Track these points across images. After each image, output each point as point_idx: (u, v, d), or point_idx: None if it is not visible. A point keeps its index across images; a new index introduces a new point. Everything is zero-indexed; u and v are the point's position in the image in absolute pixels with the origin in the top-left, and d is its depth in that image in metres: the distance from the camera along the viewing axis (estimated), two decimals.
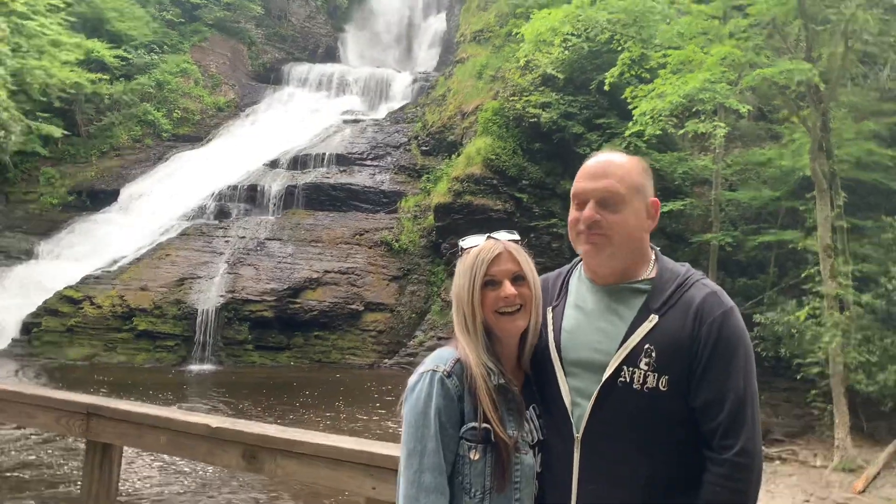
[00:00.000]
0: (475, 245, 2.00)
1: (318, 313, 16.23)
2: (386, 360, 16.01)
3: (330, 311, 16.30)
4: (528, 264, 1.97)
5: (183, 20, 25.55)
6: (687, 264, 1.96)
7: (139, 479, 7.77)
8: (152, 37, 24.29)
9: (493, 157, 16.69)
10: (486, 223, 16.43)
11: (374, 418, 11.20)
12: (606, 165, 1.90)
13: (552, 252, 15.26)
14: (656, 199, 1.94)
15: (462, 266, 1.99)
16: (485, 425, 1.87)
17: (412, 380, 1.96)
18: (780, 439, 10.67)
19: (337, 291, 16.60)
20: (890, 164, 12.32)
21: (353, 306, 16.48)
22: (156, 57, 23.90)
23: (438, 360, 1.95)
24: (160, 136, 22.57)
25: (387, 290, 17.09)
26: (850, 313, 10.45)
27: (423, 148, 20.71)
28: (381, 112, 23.78)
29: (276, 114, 23.77)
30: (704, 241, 13.69)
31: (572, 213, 1.92)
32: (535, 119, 16.16)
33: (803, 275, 11.63)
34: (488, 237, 2.00)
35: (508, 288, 1.92)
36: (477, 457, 1.88)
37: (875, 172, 12.46)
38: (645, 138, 12.51)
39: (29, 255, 17.93)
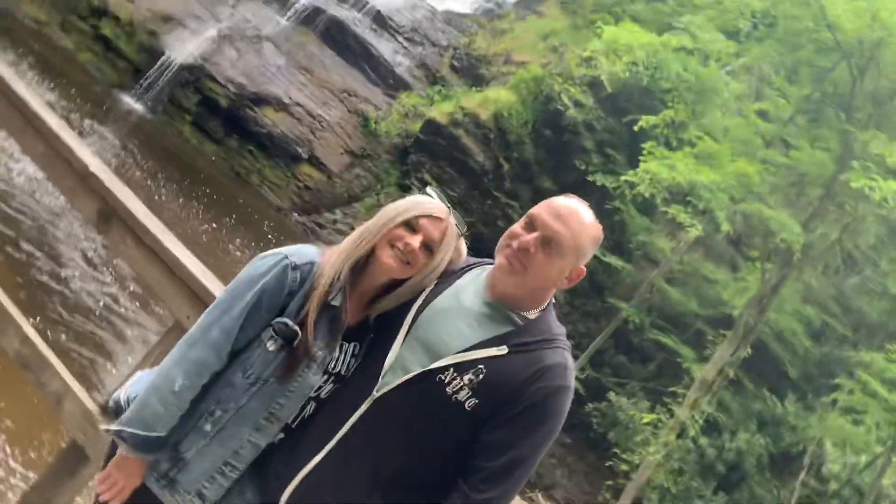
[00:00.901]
0: (433, 198, 2.00)
1: (266, 133, 15.83)
2: (296, 214, 15.86)
3: (277, 138, 15.91)
4: (446, 246, 1.97)
5: None
6: (564, 330, 1.97)
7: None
8: None
9: (506, 114, 16.47)
10: (460, 165, 16.32)
11: (244, 257, 11.16)
12: (571, 215, 1.88)
13: (495, 228, 15.33)
14: (584, 269, 1.94)
15: (406, 199, 2.00)
16: (297, 327, 1.88)
17: (264, 254, 1.96)
18: (556, 499, 11.26)
19: (295, 127, 16.20)
20: (799, 353, 12.92)
21: (299, 149, 16.14)
22: None
23: (296, 252, 1.95)
24: None
25: (338, 157, 16.81)
26: (683, 444, 11.04)
27: (454, 62, 20.19)
28: (442, 5, 22.95)
29: None
30: (616, 307, 14.06)
31: (516, 228, 1.91)
32: (562, 110, 16.00)
33: (671, 389, 12.16)
34: (447, 205, 1.99)
35: (416, 242, 1.90)
36: (272, 348, 1.89)
37: (786, 351, 13.05)
38: (634, 191, 12.64)
39: None
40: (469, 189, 16.31)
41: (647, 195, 11.91)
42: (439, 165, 16.37)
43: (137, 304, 7.56)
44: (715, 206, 10.95)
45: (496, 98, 16.64)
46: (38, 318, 6.00)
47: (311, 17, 18.36)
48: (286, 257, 1.92)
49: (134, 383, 2.09)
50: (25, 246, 7.01)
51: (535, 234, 1.84)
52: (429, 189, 2.05)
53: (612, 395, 12.99)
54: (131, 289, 7.59)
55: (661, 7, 15.86)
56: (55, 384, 2.63)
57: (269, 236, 12.99)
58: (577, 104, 15.86)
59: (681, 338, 14.02)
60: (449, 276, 2.02)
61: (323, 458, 1.87)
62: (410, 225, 1.92)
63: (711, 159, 11.37)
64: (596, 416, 13.04)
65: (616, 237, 15.16)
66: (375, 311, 2.01)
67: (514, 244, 1.87)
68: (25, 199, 7.85)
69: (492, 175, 16.31)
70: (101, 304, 7.06)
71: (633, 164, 12.77)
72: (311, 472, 1.88)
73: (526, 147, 16.38)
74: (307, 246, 2.01)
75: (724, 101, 12.19)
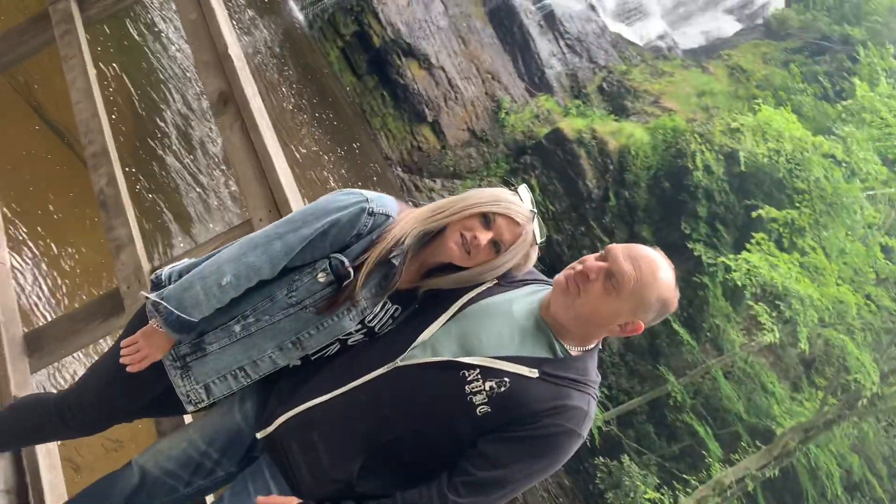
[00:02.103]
0: (521, 199, 1.97)
1: (403, 85, 15.97)
2: (399, 169, 16.07)
3: (411, 93, 16.03)
4: (515, 250, 1.94)
5: None
6: (599, 379, 1.93)
7: None
8: None
9: (633, 152, 16.14)
10: (569, 183, 16.15)
11: (334, 189, 11.38)
12: (648, 264, 1.81)
13: (577, 254, 15.16)
14: (641, 326, 1.86)
15: (493, 190, 1.97)
16: (352, 268, 1.90)
17: (348, 190, 1.98)
18: None
19: (431, 89, 16.36)
20: (828, 497, 12.36)
21: (427, 110, 16.23)
22: None
23: (377, 199, 1.96)
24: None
25: (458, 132, 16.90)
26: None
27: (604, 84, 19.92)
28: (615, 27, 22.61)
29: None
30: (665, 377, 13.74)
31: (591, 255, 1.88)
32: (689, 169, 15.57)
33: (686, 476, 11.85)
34: (532, 211, 1.96)
35: (484, 238, 1.90)
36: (321, 280, 1.91)
37: (815, 489, 12.51)
38: (728, 275, 12.24)
39: None
40: (568, 209, 16.15)
41: (738, 283, 11.52)
42: (549, 175, 16.25)
43: (230, 193, 7.82)
44: (801, 320, 10.50)
45: (630, 133, 16.34)
46: (134, 169, 6.28)
47: None
48: (367, 201, 1.93)
49: (180, 264, 2.12)
50: (150, 106, 7.36)
51: (602, 264, 1.82)
52: (521, 188, 2.00)
53: (625, 459, 12.71)
54: (232, 185, 7.84)
55: (827, 108, 15.18)
56: (121, 232, 2.76)
57: (368, 179, 13.24)
58: (707, 169, 15.40)
59: (715, 432, 13.58)
60: (510, 279, 2.02)
61: (327, 401, 1.89)
62: (487, 218, 1.90)
63: (817, 274, 10.89)
64: (603, 471, 12.81)
65: (692, 311, 14.73)
66: (428, 285, 2.01)
67: (579, 267, 1.85)
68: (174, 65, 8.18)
69: (596, 204, 16.08)
70: (200, 182, 7.33)
71: (738, 248, 12.37)
72: (311, 407, 1.90)
73: (640, 190, 16.05)
74: (389, 198, 2.01)
75: (852, 223, 11.62)
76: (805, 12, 21.39)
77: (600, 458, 12.95)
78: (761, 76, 18.66)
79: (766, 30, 22.54)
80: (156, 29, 8.15)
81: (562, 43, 19.42)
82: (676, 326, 13.93)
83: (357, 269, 1.90)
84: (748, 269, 11.22)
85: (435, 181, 16.38)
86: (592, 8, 20.65)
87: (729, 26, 24.08)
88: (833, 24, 19.98)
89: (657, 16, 23.33)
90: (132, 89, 7.02)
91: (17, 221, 4.61)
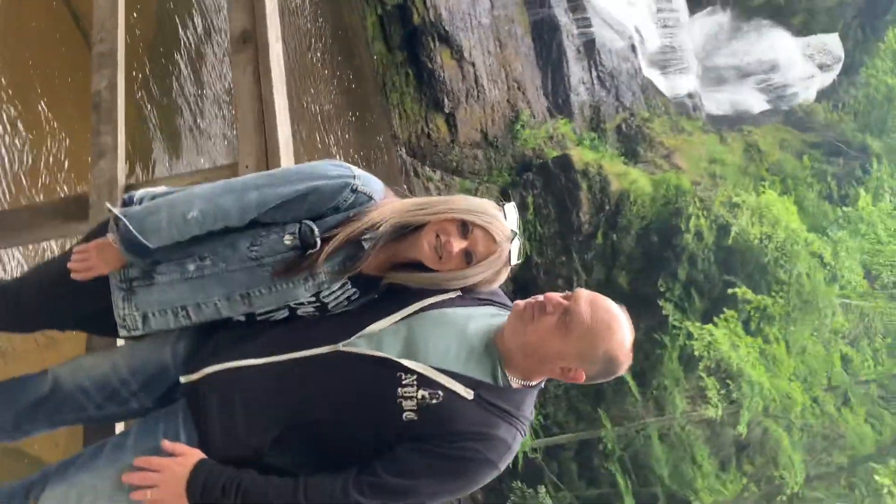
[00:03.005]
0: (506, 217, 1.94)
1: (430, 69, 15.82)
2: (404, 150, 16.02)
3: (435, 79, 15.90)
4: (487, 265, 1.90)
5: None
6: (532, 417, 1.90)
7: None
8: None
9: (632, 199, 16.12)
10: (562, 211, 16.17)
11: (331, 155, 11.24)
12: (607, 317, 1.79)
13: (551, 283, 15.22)
14: (583, 376, 1.83)
15: (480, 201, 1.94)
16: (320, 239, 1.87)
17: (339, 161, 1.95)
18: None
19: (456, 81, 16.24)
20: None
21: (446, 100, 16.18)
22: None
23: (364, 178, 1.94)
24: None
25: (471, 131, 16.84)
26: None
27: (623, 125, 19.90)
28: (649, 72, 22.60)
29: None
30: (602, 423, 13.85)
31: (554, 295, 1.85)
32: (681, 230, 15.63)
33: None
34: (513, 231, 1.92)
35: (458, 246, 1.86)
36: (287, 242, 1.88)
37: None
38: (689, 341, 12.34)
39: None
40: (556, 235, 16.20)
41: (696, 353, 11.63)
42: (546, 198, 16.28)
43: (223, 134, 7.71)
44: (747, 404, 10.64)
45: (635, 179, 16.40)
46: (139, 78, 6.16)
47: (534, 3, 18.42)
48: (353, 177, 1.90)
49: (156, 191, 2.09)
50: (171, 24, 7.23)
51: (564, 302, 1.80)
52: (508, 206, 1.97)
53: (542, 489, 12.82)
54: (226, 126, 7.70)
55: (828, 209, 15.36)
56: (107, 139, 2.71)
57: (371, 152, 13.17)
58: (698, 235, 15.50)
59: (635, 488, 13.69)
60: (475, 295, 1.99)
61: (259, 365, 1.86)
62: (466, 226, 1.87)
63: (773, 364, 11.04)
64: (517, 495, 12.91)
65: (646, 366, 14.84)
66: (392, 278, 1.98)
67: (541, 297, 1.83)
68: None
69: (583, 238, 16.13)
70: (199, 114, 7.22)
71: (706, 317, 12.48)
72: (241, 367, 1.87)
73: (629, 237, 16.13)
74: (377, 180, 1.98)
75: (821, 325, 11.78)
76: (832, 112, 21.62)
77: (519, 482, 13.01)
78: (774, 160, 18.83)
79: (790, 117, 22.73)
80: None
81: (594, 73, 19.45)
82: (627, 376, 13.99)
83: (325, 241, 1.87)
84: (709, 343, 11.32)
85: (435, 172, 16.34)
86: (633, 49, 20.70)
87: (757, 104, 24.28)
88: (856, 130, 20.22)
89: (693, 73, 23.44)
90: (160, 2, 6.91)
91: (10, 93, 4.50)
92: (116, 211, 1.91)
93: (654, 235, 16.09)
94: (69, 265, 1.96)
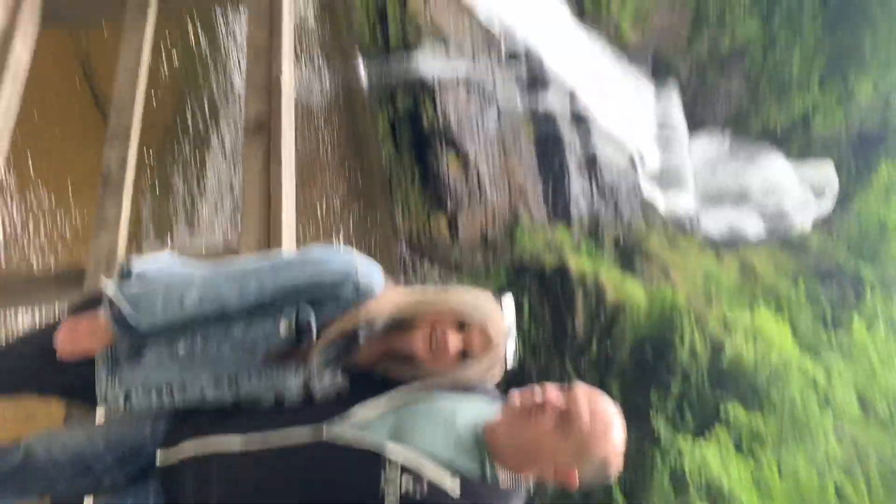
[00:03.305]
0: (503, 314, 1.94)
1: (435, 171, 16.29)
2: (405, 245, 16.18)
3: (440, 181, 16.31)
4: (481, 364, 1.89)
5: None
6: None
7: None
8: None
9: (628, 310, 16.22)
10: (558, 317, 16.20)
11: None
12: (606, 419, 1.76)
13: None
14: (575, 476, 1.77)
15: (479, 297, 1.93)
16: (316, 331, 1.86)
17: (345, 251, 1.95)
18: None
19: (460, 184, 16.61)
20: None
21: (449, 202, 16.50)
22: None
23: (367, 271, 1.93)
24: None
25: (472, 232, 17.09)
26: None
27: (620, 238, 20.13)
28: (649, 190, 23.16)
29: None
30: None
31: (552, 392, 1.81)
32: (674, 345, 15.59)
33: None
34: (510, 328, 1.91)
35: (454, 343, 1.85)
36: (282, 330, 1.87)
37: None
38: (679, 459, 12.04)
39: None
40: (550, 340, 16.13)
41: (686, 472, 11.35)
42: (542, 303, 16.33)
43: (233, 213, 7.83)
44: None
45: (631, 291, 16.49)
46: (153, 155, 6.31)
47: (540, 118, 19.10)
48: (356, 271, 1.89)
49: (155, 261, 2.06)
50: (195, 103, 7.51)
51: (560, 404, 1.76)
52: (505, 299, 1.97)
53: None
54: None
55: (822, 332, 15.36)
56: (111, 212, 2.77)
57: (372, 244, 13.31)
58: (692, 352, 15.43)
59: None
60: (464, 385, 1.95)
61: (238, 451, 1.81)
62: (462, 323, 1.87)
63: (765, 489, 10.74)
64: None
65: (636, 481, 14.43)
66: (384, 370, 1.96)
67: (539, 398, 1.79)
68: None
69: (576, 346, 16.05)
70: (204, 192, 7.37)
71: (698, 432, 12.22)
72: (221, 454, 1.82)
73: (623, 348, 16.05)
74: (378, 272, 1.97)
75: (814, 451, 11.54)
76: (827, 239, 22.01)
77: None
78: (769, 282, 18.99)
79: (786, 241, 23.10)
80: (222, 39, 8.39)
81: (594, 186, 19.91)
82: (617, 492, 13.57)
83: (320, 331, 1.86)
84: (700, 463, 11.08)
85: (434, 267, 16.46)
86: (633, 166, 21.29)
87: (754, 226, 24.74)
88: (850, 259, 20.52)
89: (692, 192, 23.99)
90: (181, 86, 7.17)
91: (29, 161, 4.60)
92: (111, 291, 1.88)
93: (649, 348, 16.01)
94: (57, 341, 1.93)
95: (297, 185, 2.92)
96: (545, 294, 16.50)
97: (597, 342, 16.19)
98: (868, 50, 20.35)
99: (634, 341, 16.16)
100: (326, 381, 1.90)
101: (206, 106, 7.70)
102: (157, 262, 2.05)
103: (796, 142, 24.37)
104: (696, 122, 24.24)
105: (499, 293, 2.01)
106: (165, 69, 6.77)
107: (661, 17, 20.97)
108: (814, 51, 21.63)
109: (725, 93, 24.14)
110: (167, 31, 6.84)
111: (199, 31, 7.75)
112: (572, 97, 19.35)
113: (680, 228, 22.42)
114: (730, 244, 22.43)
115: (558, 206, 18.99)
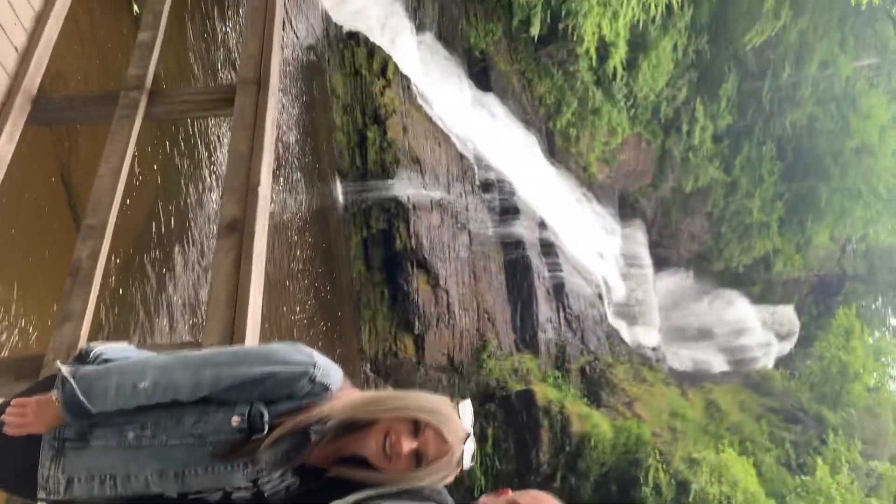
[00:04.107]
0: (462, 409, 1.94)
1: (405, 292, 16.38)
2: (369, 366, 16.00)
3: (409, 302, 16.39)
4: (436, 469, 1.86)
5: None
6: None
7: None
8: None
9: (593, 444, 15.95)
10: (521, 447, 15.87)
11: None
12: None
13: None
14: None
15: (434, 400, 1.92)
16: (266, 427, 1.82)
17: (303, 348, 1.96)
18: None
19: (429, 306, 16.69)
20: None
21: (417, 323, 16.50)
22: None
23: (324, 370, 1.94)
24: None
25: (438, 355, 16.99)
26: None
27: (587, 368, 20.21)
28: (616, 322, 23.48)
29: None
30: None
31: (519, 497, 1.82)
32: (640, 482, 15.24)
33: None
34: (467, 432, 1.89)
35: (408, 447, 1.82)
36: (234, 423, 1.83)
37: None
38: None
39: None
40: (513, 472, 15.67)
41: None
42: (507, 432, 16.01)
43: (196, 316, 7.76)
44: None
45: (597, 423, 16.28)
46: (120, 258, 6.32)
47: (510, 245, 19.56)
48: (314, 366, 1.91)
49: (113, 348, 2.04)
50: (168, 208, 7.60)
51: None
52: (463, 404, 1.97)
53: None
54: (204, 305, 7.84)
55: (786, 476, 15.19)
56: (76, 305, 2.74)
57: (335, 360, 13.12)
58: (657, 489, 15.08)
59: None
60: (417, 490, 1.91)
61: None
62: (417, 425, 1.85)
63: None
64: None
65: None
66: (335, 472, 1.92)
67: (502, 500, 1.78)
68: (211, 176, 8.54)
69: (541, 479, 15.59)
70: (179, 293, 7.34)
71: None
72: None
73: (587, 483, 15.63)
74: (337, 371, 1.98)
75: None
76: (790, 380, 22.23)
77: None
78: (734, 420, 18.94)
79: (749, 380, 23.28)
80: (203, 149, 8.62)
81: (562, 314, 20.12)
82: None
83: (273, 427, 1.82)
84: None
85: (398, 390, 16.16)
86: (600, 297, 21.63)
87: (717, 363, 25.01)
88: (813, 401, 20.66)
89: (656, 328, 24.34)
90: (156, 191, 7.29)
91: None
92: (65, 371, 1.85)
93: (613, 484, 15.62)
94: (3, 417, 1.87)
95: (263, 298, 2.94)
96: (510, 423, 16.22)
97: (561, 476, 15.77)
98: (823, 200, 21.46)
99: (599, 476, 15.78)
100: (276, 479, 1.85)
101: (180, 211, 7.78)
102: (115, 349, 2.02)
103: (758, 283, 25.11)
104: (660, 261, 24.96)
105: (458, 399, 2.00)
106: (139, 174, 6.90)
107: (627, 157, 22.07)
108: (773, 196, 22.76)
109: (689, 233, 25.07)
110: (152, 134, 7.04)
111: (181, 135, 7.97)
112: (542, 226, 19.94)
113: (645, 362, 22.52)
114: (694, 380, 22.55)
115: (526, 332, 19.07)
